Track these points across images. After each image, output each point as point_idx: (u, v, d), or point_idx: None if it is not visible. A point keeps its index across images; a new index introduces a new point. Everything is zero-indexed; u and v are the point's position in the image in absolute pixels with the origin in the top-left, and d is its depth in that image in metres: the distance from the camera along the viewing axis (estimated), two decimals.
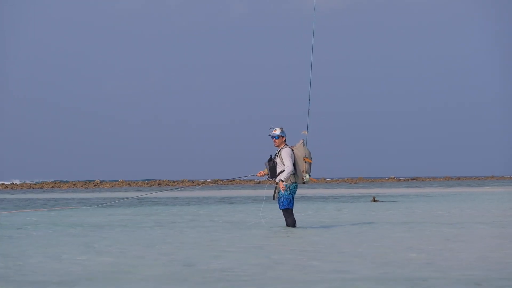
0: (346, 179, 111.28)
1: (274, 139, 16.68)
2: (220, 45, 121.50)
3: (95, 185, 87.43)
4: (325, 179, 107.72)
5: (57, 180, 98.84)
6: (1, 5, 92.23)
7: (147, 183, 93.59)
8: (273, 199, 16.68)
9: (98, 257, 11.71)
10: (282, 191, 16.40)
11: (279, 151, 16.59)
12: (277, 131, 16.64)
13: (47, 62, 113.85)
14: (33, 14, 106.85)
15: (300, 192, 51.51)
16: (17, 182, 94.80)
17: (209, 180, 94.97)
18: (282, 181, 16.38)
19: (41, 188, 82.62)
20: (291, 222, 16.68)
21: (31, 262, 11.15)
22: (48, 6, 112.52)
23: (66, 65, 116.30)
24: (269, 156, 16.66)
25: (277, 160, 16.54)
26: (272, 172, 16.57)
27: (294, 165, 16.49)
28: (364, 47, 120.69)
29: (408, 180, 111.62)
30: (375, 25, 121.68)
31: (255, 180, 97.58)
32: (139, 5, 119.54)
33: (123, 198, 32.38)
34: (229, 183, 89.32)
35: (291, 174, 16.40)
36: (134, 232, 16.65)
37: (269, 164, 16.57)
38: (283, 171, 16.40)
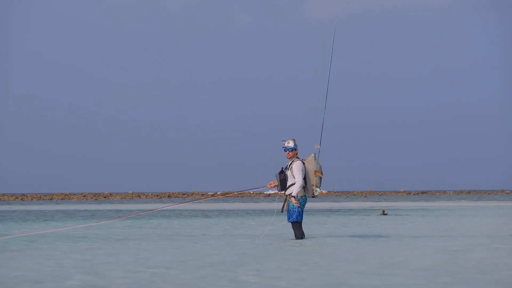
0: (356, 192, 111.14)
1: (288, 151, 16.74)
2: (223, 57, 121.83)
3: (105, 197, 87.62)
4: (334, 192, 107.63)
5: (67, 192, 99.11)
6: (5, 21, 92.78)
7: (157, 196, 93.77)
8: (281, 211, 16.78)
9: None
10: (294, 205, 16.49)
11: (290, 164, 16.66)
12: (291, 144, 16.69)
13: (52, 79, 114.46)
14: (36, 29, 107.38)
15: (309, 205, 51.53)
16: (27, 193, 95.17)
17: (219, 193, 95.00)
18: (294, 197, 16.46)
19: (51, 199, 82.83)
20: (299, 235, 16.79)
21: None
22: (51, 21, 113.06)
23: (73, 82, 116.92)
24: (280, 169, 16.74)
25: (288, 173, 16.63)
26: (283, 184, 16.65)
27: (305, 178, 16.59)
28: (369, 61, 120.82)
29: (418, 193, 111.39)
30: (383, 39, 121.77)
31: (265, 192, 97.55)
32: (141, 18, 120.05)
33: (150, 210, 32.53)
34: (239, 195, 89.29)
35: (301, 188, 16.50)
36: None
37: (280, 177, 16.65)
38: (294, 184, 16.50)
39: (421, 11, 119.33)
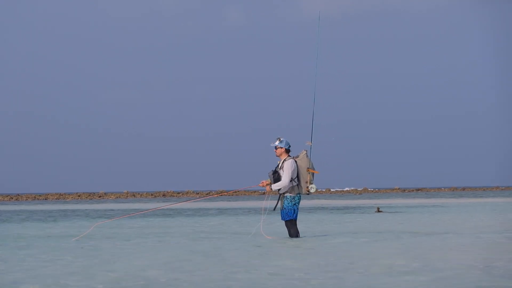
0: (350, 190, 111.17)
1: (275, 149, 16.74)
2: (217, 55, 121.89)
3: (99, 197, 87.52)
4: (329, 190, 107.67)
5: (61, 192, 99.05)
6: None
7: (151, 195, 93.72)
8: (274, 209, 16.74)
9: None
10: (290, 204, 16.41)
11: (282, 162, 16.61)
12: (277, 142, 16.70)
13: (46, 77, 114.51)
14: (30, 28, 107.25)
15: (303, 203, 51.53)
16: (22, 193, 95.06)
17: (213, 192, 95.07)
18: (271, 189, 16.47)
19: (46, 199, 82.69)
20: (294, 233, 16.72)
21: None
22: (46, 20, 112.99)
23: (66, 80, 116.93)
24: (275, 168, 16.70)
25: (281, 171, 16.59)
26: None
27: (298, 176, 16.53)
28: (366, 58, 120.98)
29: (413, 191, 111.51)
30: (377, 36, 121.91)
31: (260, 191, 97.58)
32: (134, 16, 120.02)
33: (147, 210, 32.61)
34: (234, 194, 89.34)
35: (290, 187, 16.44)
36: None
37: (273, 176, 16.61)
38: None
39: (420, 8, 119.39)
